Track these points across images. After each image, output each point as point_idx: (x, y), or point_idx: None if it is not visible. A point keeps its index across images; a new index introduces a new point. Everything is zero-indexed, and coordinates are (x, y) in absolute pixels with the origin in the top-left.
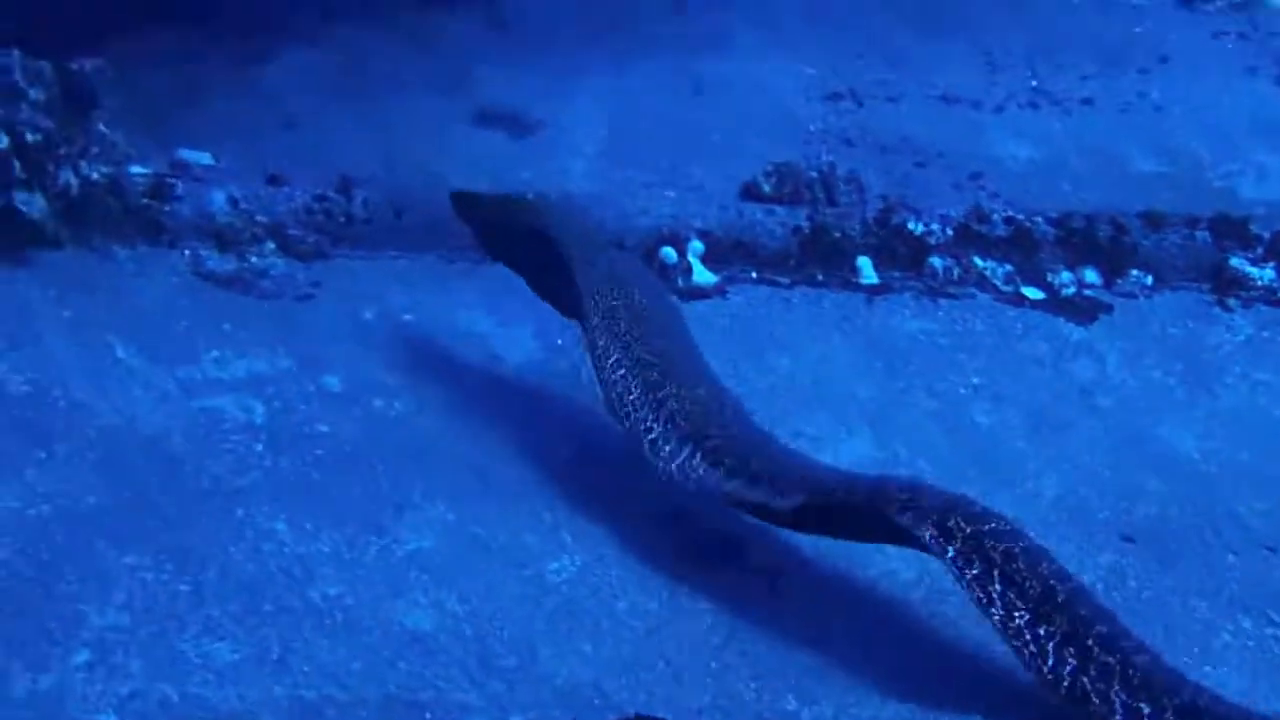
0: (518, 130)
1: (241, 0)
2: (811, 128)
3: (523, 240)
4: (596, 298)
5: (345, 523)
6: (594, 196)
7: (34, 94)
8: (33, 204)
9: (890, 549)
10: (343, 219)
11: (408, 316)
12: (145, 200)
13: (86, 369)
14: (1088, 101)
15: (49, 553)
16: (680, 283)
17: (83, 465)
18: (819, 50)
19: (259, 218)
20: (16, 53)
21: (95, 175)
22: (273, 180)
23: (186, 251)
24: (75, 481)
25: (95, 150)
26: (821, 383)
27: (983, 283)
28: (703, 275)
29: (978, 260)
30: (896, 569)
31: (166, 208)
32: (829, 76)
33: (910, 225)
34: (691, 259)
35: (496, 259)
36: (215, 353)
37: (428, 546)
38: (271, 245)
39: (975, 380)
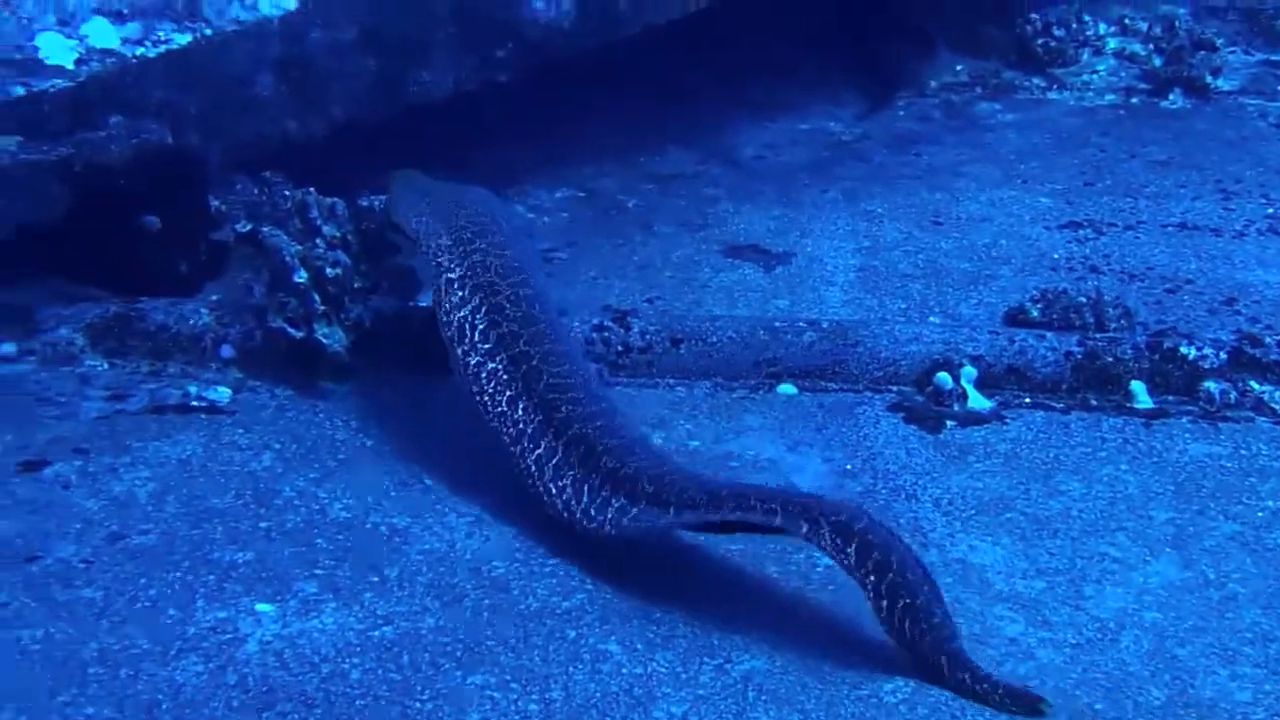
0: (767, 262)
1: (494, 145)
2: (1055, 256)
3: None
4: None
5: (675, 644)
6: (858, 324)
7: (329, 230)
8: (333, 337)
9: None
10: (620, 348)
11: (694, 443)
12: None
13: (399, 496)
14: None
15: (399, 673)
16: (956, 408)
17: (415, 589)
18: (1049, 181)
19: None
20: (313, 190)
21: (386, 308)
22: None
23: None
24: (412, 604)
25: (385, 284)
26: (1115, 505)
27: (1260, 407)
28: (978, 401)
29: (1254, 384)
30: None
31: None
32: (1063, 207)
33: (1183, 350)
34: (966, 385)
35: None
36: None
37: (760, 666)
38: None
39: (1271, 504)
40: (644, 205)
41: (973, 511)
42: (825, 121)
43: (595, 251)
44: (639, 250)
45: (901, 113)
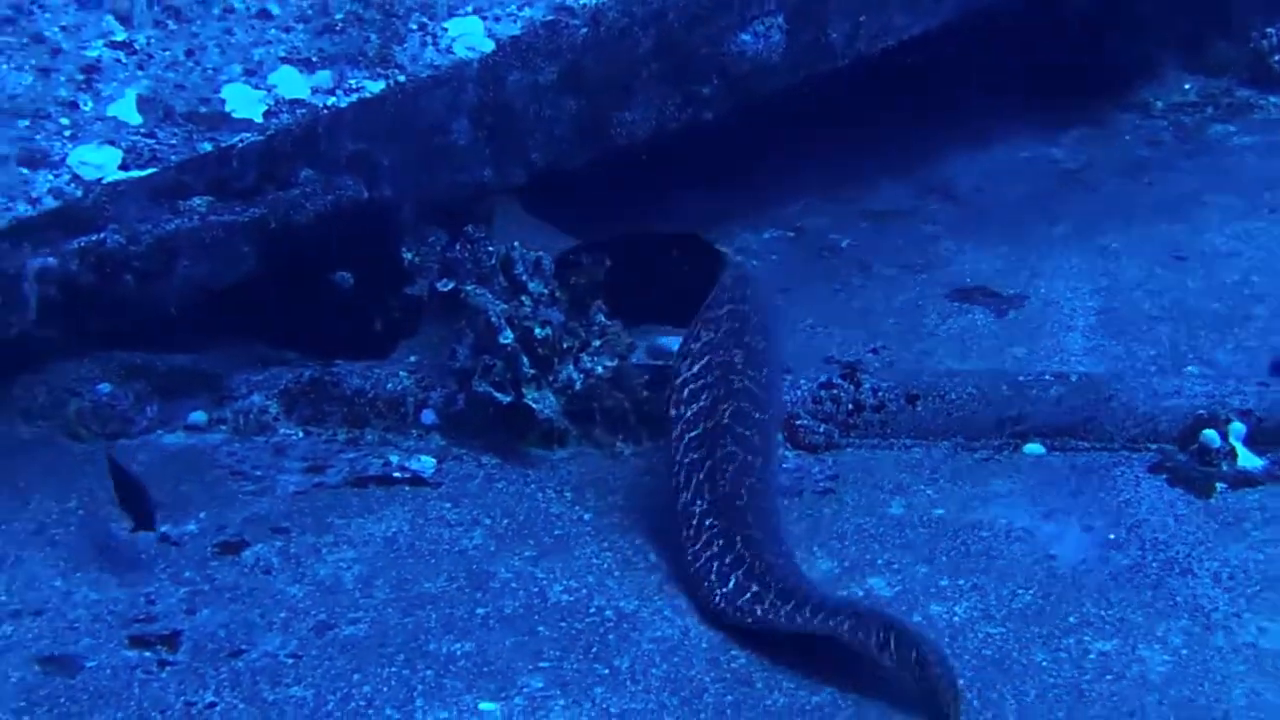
0: (998, 306)
1: (698, 185)
2: None
3: None
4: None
5: None
6: (1110, 376)
7: (535, 286)
8: (544, 402)
9: None
10: (851, 407)
11: (939, 511)
12: (647, 393)
13: (623, 576)
14: None
15: None
16: (1225, 468)
17: (650, 682)
18: None
19: None
20: (517, 245)
21: (599, 369)
22: None
23: None
24: (648, 700)
25: (597, 344)
26: None
27: None
28: (1249, 460)
29: None
30: None
31: None
32: None
33: None
34: (1235, 442)
35: None
36: None
37: None
38: (779, 437)
39: None
40: (859, 245)
41: (1257, 587)
42: (1046, 148)
43: (811, 297)
44: (858, 295)
45: (1128, 137)
